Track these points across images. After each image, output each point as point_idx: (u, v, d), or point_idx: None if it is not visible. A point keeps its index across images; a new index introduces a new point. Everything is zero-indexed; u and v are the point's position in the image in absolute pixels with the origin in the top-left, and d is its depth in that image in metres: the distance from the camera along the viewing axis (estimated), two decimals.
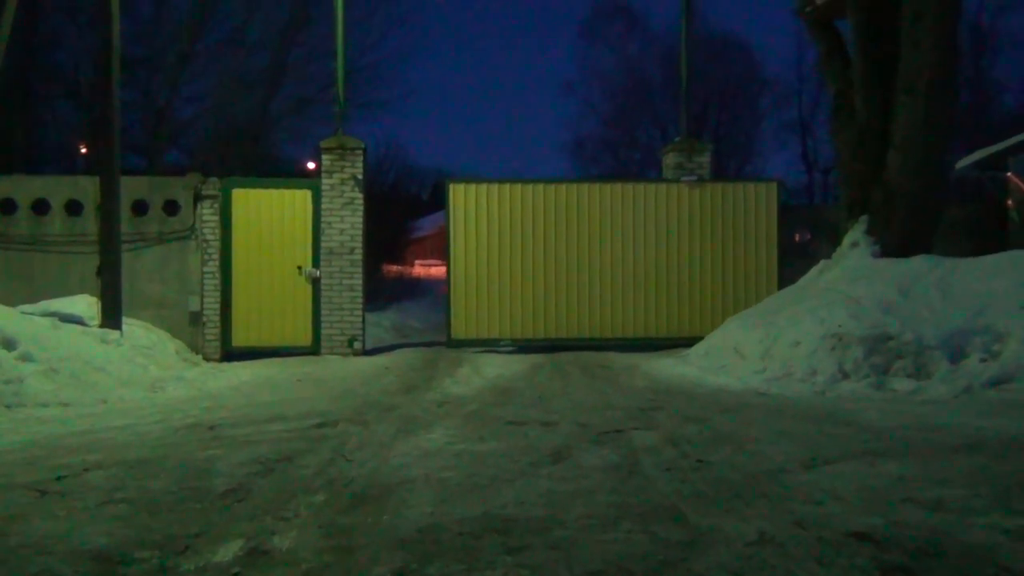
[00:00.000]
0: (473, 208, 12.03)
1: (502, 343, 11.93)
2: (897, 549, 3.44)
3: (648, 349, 11.59)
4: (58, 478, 4.71)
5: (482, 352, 11.81)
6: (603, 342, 11.91)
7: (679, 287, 12.03)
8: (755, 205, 12.07)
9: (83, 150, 22.00)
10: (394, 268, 26.81)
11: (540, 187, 12.15)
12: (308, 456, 5.28)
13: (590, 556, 3.41)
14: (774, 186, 12.33)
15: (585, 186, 12.28)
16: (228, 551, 3.50)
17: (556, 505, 4.13)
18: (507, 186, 12.15)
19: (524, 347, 11.91)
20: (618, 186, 12.25)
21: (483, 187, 12.12)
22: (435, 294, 24.37)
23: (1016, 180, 13.00)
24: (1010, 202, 13.05)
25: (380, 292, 19.03)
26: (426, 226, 45.17)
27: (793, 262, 11.78)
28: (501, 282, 12.00)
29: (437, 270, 37.18)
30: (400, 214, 29.36)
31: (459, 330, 11.99)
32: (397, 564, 3.34)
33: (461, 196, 12.04)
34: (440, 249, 49.01)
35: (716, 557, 3.39)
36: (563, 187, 12.20)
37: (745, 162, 34.57)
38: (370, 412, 6.98)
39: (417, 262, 37.38)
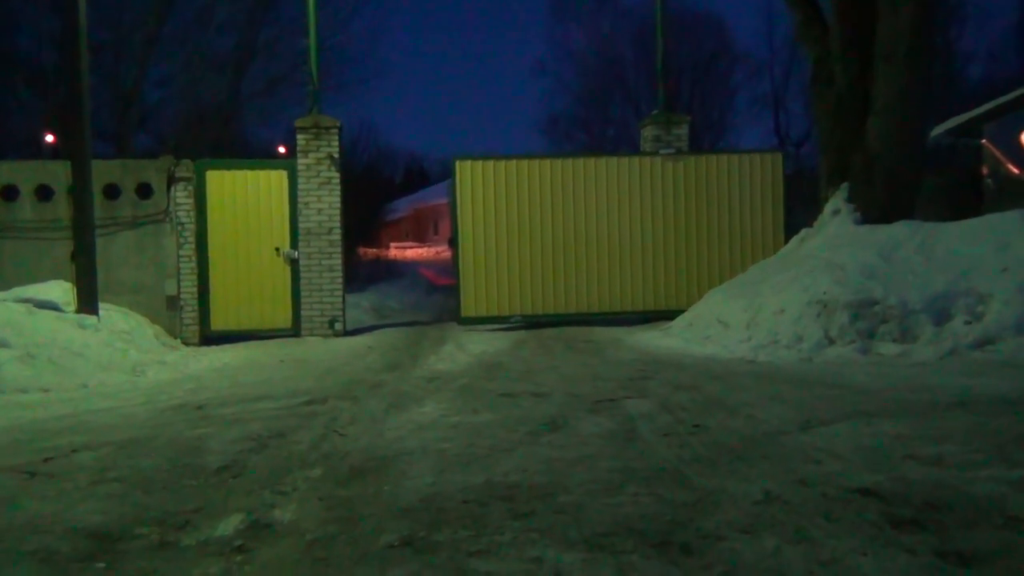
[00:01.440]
0: (480, 184, 11.86)
1: (513, 319, 11.84)
2: (904, 503, 3.44)
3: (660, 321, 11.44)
4: (45, 460, 4.61)
5: (466, 331, 11.75)
6: (613, 316, 11.75)
7: (687, 260, 11.90)
8: (760, 176, 12.00)
9: (49, 138, 21.56)
10: (370, 251, 26.62)
11: (547, 162, 12.02)
12: (300, 432, 5.20)
13: (598, 519, 3.38)
14: (779, 156, 12.20)
15: (592, 160, 12.10)
16: (229, 525, 3.43)
17: (558, 472, 4.09)
18: (513, 162, 12.00)
19: (533, 323, 11.80)
20: (625, 160, 12.07)
21: (489, 163, 11.94)
22: (412, 276, 24.24)
23: (991, 147, 13.11)
24: (985, 169, 13.17)
25: (357, 274, 18.87)
26: (401, 208, 44.94)
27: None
28: (510, 258, 11.84)
29: (413, 252, 37.01)
30: (374, 196, 29.14)
31: (469, 308, 11.85)
32: (404, 532, 3.29)
33: (468, 173, 11.87)
34: (415, 231, 48.71)
35: (725, 516, 3.37)
36: (569, 161, 12.08)
37: (719, 137, 34.63)
38: (358, 389, 6.91)
39: (392, 244, 37.18)
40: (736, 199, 11.97)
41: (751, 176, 11.95)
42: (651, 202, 11.97)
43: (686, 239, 11.98)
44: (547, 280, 11.88)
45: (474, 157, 12.03)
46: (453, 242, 22.52)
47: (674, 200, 11.99)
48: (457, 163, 11.94)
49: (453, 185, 11.98)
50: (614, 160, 12.10)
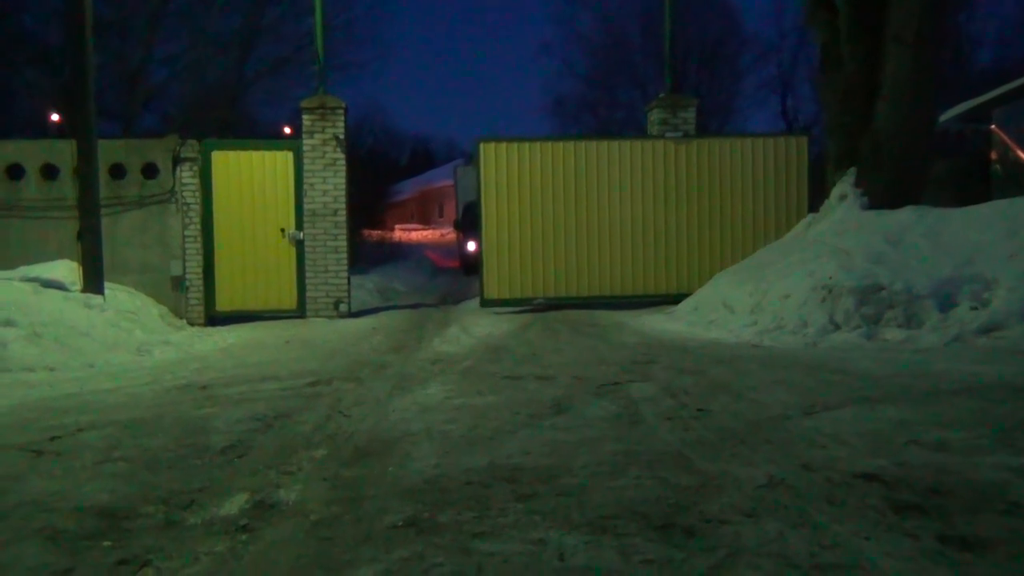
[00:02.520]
0: (504, 167, 11.82)
1: (536, 301, 11.81)
2: (907, 488, 3.44)
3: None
4: (52, 438, 4.63)
5: (470, 313, 11.75)
6: (637, 299, 11.67)
7: (710, 245, 11.83)
8: (785, 160, 11.89)
9: (54, 117, 21.54)
10: (375, 232, 26.62)
11: (571, 144, 11.99)
12: (305, 413, 5.22)
13: (602, 501, 3.39)
14: (804, 140, 12.08)
15: (616, 144, 12.03)
16: (234, 504, 3.45)
17: (562, 454, 4.10)
18: (537, 144, 11.97)
19: (555, 305, 11.77)
20: (648, 143, 12.00)
21: (514, 145, 11.92)
22: (416, 258, 24.26)
23: (999, 132, 13.03)
24: (994, 154, 13.09)
25: (362, 256, 18.89)
26: (406, 190, 44.92)
27: None
28: (534, 240, 11.82)
29: (418, 234, 37.00)
30: (380, 178, 29.13)
31: (491, 290, 11.84)
32: (408, 513, 3.30)
33: (492, 155, 11.84)
34: (420, 213, 48.70)
35: (728, 499, 3.37)
36: (593, 144, 12.03)
37: (725, 120, 34.48)
38: (363, 370, 6.93)
39: (397, 226, 37.17)
40: (760, 183, 11.85)
41: (775, 160, 11.84)
42: (676, 186, 11.86)
43: (709, 224, 11.87)
44: (571, 262, 11.83)
45: (498, 139, 12.00)
46: (457, 224, 22.45)
47: (697, 184, 11.86)
48: (481, 145, 11.90)
49: (477, 167, 11.93)
50: (638, 143, 12.02)
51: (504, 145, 11.92)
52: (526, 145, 11.94)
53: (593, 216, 11.84)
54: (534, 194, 11.81)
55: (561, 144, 12.02)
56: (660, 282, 11.84)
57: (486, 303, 11.79)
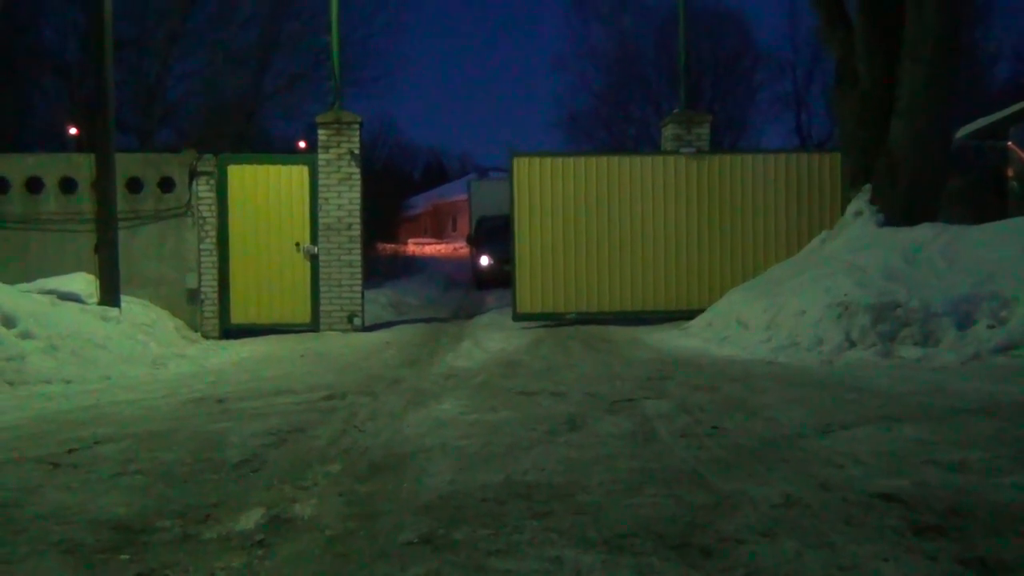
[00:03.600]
0: (537, 181, 11.81)
1: (568, 316, 11.81)
2: (926, 509, 3.42)
3: None
4: (69, 451, 4.65)
5: (483, 327, 11.75)
6: (665, 314, 11.51)
7: (742, 262, 11.67)
8: (818, 176, 11.72)
9: (73, 131, 21.74)
10: (388, 246, 26.70)
11: (603, 160, 11.96)
12: (320, 427, 5.23)
13: (617, 519, 3.38)
14: (837, 157, 11.77)
15: (648, 159, 12.01)
16: (250, 519, 3.46)
17: (577, 471, 4.09)
18: (571, 159, 11.99)
19: (584, 320, 11.75)
20: (682, 159, 11.92)
21: (547, 160, 11.93)
22: (430, 271, 24.29)
23: (1016, 149, 12.97)
24: (1010, 171, 13.02)
25: (375, 270, 18.93)
26: (419, 204, 45.04)
27: None
28: (566, 255, 11.78)
29: (431, 248, 37.07)
30: (394, 192, 29.26)
31: (524, 304, 11.82)
32: (423, 530, 3.30)
33: (525, 169, 11.83)
34: (433, 228, 48.75)
35: (744, 519, 3.36)
36: (627, 159, 11.99)
37: (739, 136, 34.45)
38: (377, 385, 6.93)
39: (411, 240, 37.27)
40: (794, 200, 11.70)
41: (809, 177, 11.70)
42: (710, 201, 11.75)
43: (742, 239, 11.71)
44: (603, 277, 11.75)
45: (531, 154, 12.04)
46: (470, 239, 22.49)
47: (731, 200, 11.72)
48: (515, 160, 11.90)
49: (510, 182, 11.93)
50: (671, 159, 11.92)
51: (537, 160, 11.94)
52: (559, 160, 11.97)
53: (626, 230, 11.72)
54: (567, 208, 11.77)
55: (594, 159, 11.99)
56: (690, 296, 11.68)
57: (519, 317, 11.79)
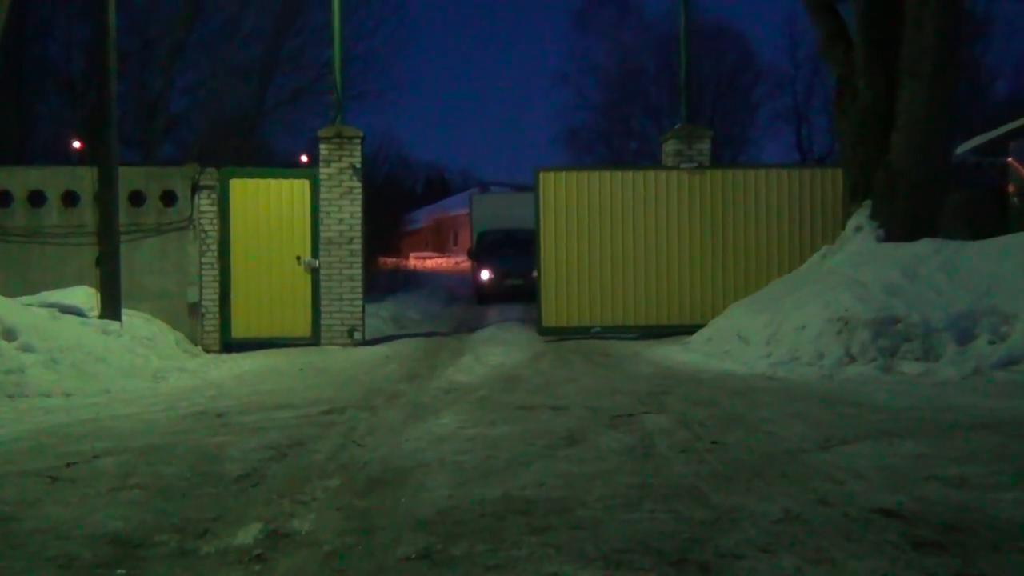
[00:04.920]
0: (563, 196, 11.82)
1: (594, 330, 11.81)
2: (926, 525, 3.41)
3: None
4: (68, 465, 4.65)
5: (484, 342, 11.74)
6: (691, 328, 11.21)
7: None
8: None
9: (76, 144, 21.82)
10: (389, 260, 26.72)
11: (629, 174, 11.99)
12: (319, 442, 5.23)
13: (616, 535, 3.37)
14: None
15: (674, 173, 12.00)
16: (248, 534, 3.45)
17: (576, 486, 4.08)
18: (596, 173, 12.04)
19: (608, 334, 11.71)
20: (707, 173, 11.91)
21: (572, 175, 11.98)
22: (431, 286, 24.29)
23: (1016, 165, 12.99)
24: (1011, 187, 13.04)
25: (376, 284, 18.93)
26: (420, 218, 45.11)
27: None
28: (591, 269, 11.78)
29: (432, 262, 37.11)
30: (395, 206, 29.30)
31: (550, 318, 11.82)
32: (421, 545, 3.29)
33: (551, 184, 11.85)
34: (434, 242, 48.80)
35: (744, 534, 3.35)
36: (651, 174, 12.01)
37: (739, 151, 34.57)
38: (377, 399, 6.93)
39: (412, 254, 37.31)
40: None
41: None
42: (724, 215, 11.75)
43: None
44: (627, 291, 11.73)
45: (556, 168, 12.08)
46: (471, 253, 22.51)
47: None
48: (540, 174, 11.93)
49: (536, 196, 11.94)
50: (686, 173, 11.94)
51: (563, 174, 11.99)
52: (584, 174, 12.01)
53: (651, 245, 11.73)
54: (592, 222, 11.78)
55: (620, 173, 12.04)
56: (704, 310, 11.64)
57: (545, 331, 11.79)
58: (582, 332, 11.69)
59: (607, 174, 12.01)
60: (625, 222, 11.78)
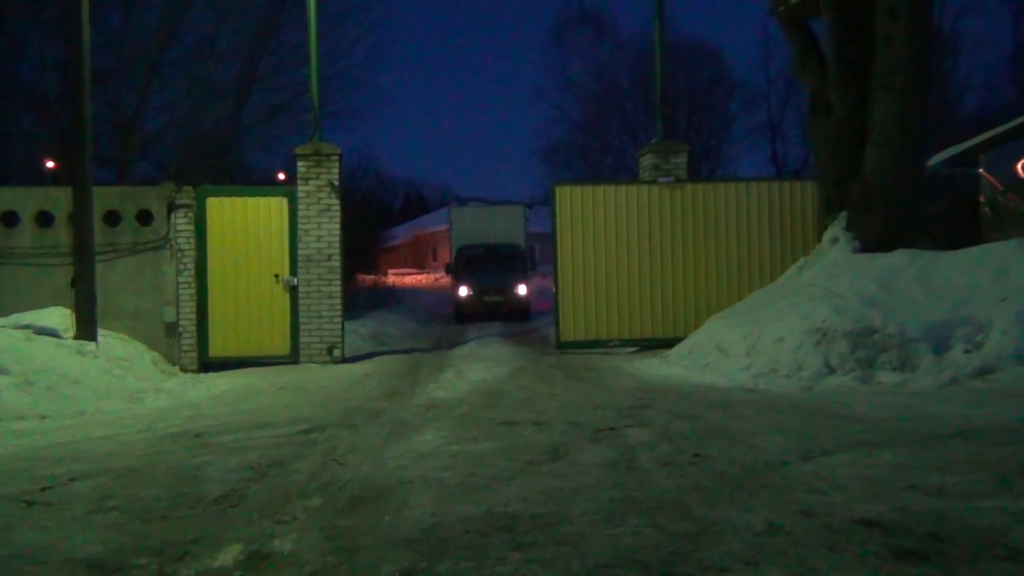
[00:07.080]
0: (579, 210, 11.89)
1: (611, 343, 11.80)
2: (907, 534, 3.43)
3: None
4: (43, 488, 4.57)
5: (464, 358, 11.72)
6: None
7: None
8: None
9: (50, 164, 21.61)
10: (369, 277, 26.63)
11: (644, 189, 12.06)
12: (299, 461, 5.18)
13: (600, 549, 3.36)
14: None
15: (689, 187, 12.07)
16: (228, 555, 3.41)
17: (559, 501, 4.07)
18: (611, 188, 12.12)
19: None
20: (722, 185, 12.13)
21: (588, 189, 12.07)
22: (411, 302, 24.22)
23: (988, 176, 13.18)
24: (982, 198, 13.22)
25: (356, 301, 18.85)
26: (399, 235, 45.06)
27: None
28: (608, 283, 11.84)
29: (411, 279, 37.05)
30: (373, 223, 29.23)
31: (567, 333, 11.84)
32: (405, 563, 3.27)
33: (567, 199, 11.92)
34: (413, 258, 48.66)
35: (727, 547, 3.35)
36: (667, 188, 12.08)
37: (716, 165, 34.83)
38: (357, 417, 6.88)
39: (391, 271, 37.22)
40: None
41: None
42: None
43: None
44: (645, 304, 11.80)
45: (572, 183, 12.10)
46: (449, 269, 22.45)
47: (770, 224, 11.82)
48: (557, 189, 12.02)
49: (553, 211, 12.00)
50: (710, 187, 12.08)
51: (579, 188, 12.07)
52: (600, 188, 12.10)
53: (667, 258, 11.82)
54: (608, 237, 11.85)
55: (635, 187, 12.12)
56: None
57: (563, 346, 11.82)
58: (600, 346, 11.70)
59: (623, 188, 12.14)
60: (642, 235, 11.88)
